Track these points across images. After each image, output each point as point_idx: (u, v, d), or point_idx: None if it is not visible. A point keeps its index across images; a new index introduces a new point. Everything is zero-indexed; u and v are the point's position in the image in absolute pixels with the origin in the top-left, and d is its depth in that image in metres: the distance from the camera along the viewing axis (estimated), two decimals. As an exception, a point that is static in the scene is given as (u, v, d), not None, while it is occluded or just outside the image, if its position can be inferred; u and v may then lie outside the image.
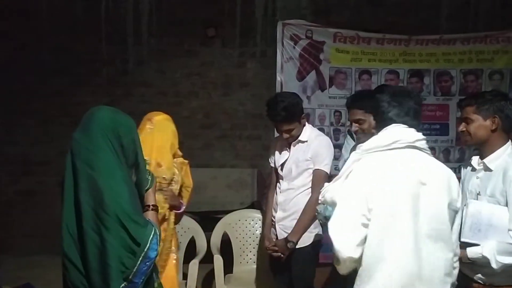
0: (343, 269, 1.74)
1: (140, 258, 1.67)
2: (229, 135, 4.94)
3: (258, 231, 3.54)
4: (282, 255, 2.77)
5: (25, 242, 4.80)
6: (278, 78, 4.36)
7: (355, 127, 2.56)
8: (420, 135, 1.78)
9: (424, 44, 4.30)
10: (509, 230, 1.91)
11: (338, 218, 1.71)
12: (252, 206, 4.35)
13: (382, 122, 1.84)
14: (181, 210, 2.57)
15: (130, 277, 1.67)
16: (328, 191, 1.86)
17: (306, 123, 2.88)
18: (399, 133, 1.76)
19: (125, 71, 4.88)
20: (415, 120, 1.81)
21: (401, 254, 1.65)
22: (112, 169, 1.70)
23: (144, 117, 2.49)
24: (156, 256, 1.73)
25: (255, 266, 3.54)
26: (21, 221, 4.88)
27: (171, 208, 2.49)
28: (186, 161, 2.61)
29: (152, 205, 1.90)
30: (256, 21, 4.75)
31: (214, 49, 4.88)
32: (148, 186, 1.92)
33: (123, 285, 1.67)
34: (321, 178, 2.74)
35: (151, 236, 1.70)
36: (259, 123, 4.89)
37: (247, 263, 3.56)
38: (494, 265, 1.92)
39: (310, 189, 2.78)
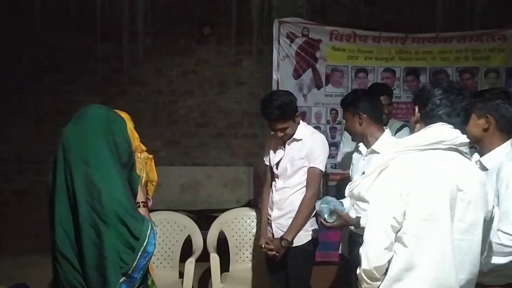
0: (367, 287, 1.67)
1: (140, 253, 1.67)
2: (225, 133, 4.91)
3: (255, 230, 3.52)
4: (277, 254, 2.75)
5: (19, 241, 4.75)
6: (274, 76, 4.35)
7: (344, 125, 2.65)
8: (465, 138, 1.66)
9: (420, 42, 4.30)
10: (498, 230, 1.88)
11: (370, 218, 1.65)
12: (248, 204, 4.33)
13: (428, 119, 1.69)
14: (149, 206, 2.53)
15: (130, 272, 1.66)
16: (357, 185, 1.77)
17: (301, 121, 2.86)
18: (444, 133, 1.64)
19: (120, 69, 4.84)
20: (464, 123, 1.69)
21: (436, 262, 1.56)
22: (108, 164, 1.68)
23: None
24: (153, 252, 1.72)
25: (251, 265, 3.52)
26: (15, 220, 4.83)
27: None
28: (151, 156, 2.59)
29: (142, 201, 1.90)
30: (252, 19, 4.73)
31: (210, 48, 4.86)
32: (138, 183, 1.91)
33: (122, 279, 1.66)
34: (315, 176, 2.73)
35: (149, 231, 1.70)
36: (255, 122, 4.87)
37: (243, 261, 3.54)
38: None
39: (305, 187, 2.76)
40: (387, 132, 2.57)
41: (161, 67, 4.87)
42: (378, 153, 2.45)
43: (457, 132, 1.65)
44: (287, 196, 2.81)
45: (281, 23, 4.29)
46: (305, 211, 2.71)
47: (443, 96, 1.68)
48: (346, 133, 2.89)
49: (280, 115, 2.69)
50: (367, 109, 2.54)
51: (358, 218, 2.43)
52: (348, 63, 4.41)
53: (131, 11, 4.68)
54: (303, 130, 2.80)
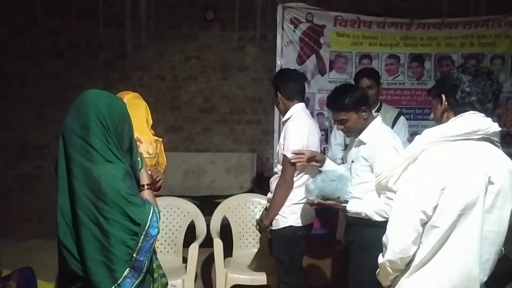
0: (388, 275, 1.67)
1: (142, 237, 1.68)
2: (228, 119, 4.90)
3: (258, 215, 3.51)
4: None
5: (23, 226, 4.79)
6: (278, 62, 4.33)
7: (338, 127, 2.52)
8: (497, 127, 1.59)
9: (425, 28, 4.26)
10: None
11: (397, 210, 1.61)
12: (251, 190, 4.34)
13: (458, 108, 1.61)
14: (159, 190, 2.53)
15: (135, 254, 1.68)
16: (385, 177, 1.71)
17: (299, 104, 2.78)
18: (477, 122, 1.57)
19: (123, 54, 4.82)
20: (495, 109, 1.62)
21: (463, 254, 1.55)
22: (107, 155, 1.67)
23: None
24: (157, 234, 1.73)
25: (254, 250, 3.54)
26: (19, 205, 4.86)
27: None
28: (160, 139, 2.60)
29: (147, 184, 1.89)
30: (255, 4, 4.69)
31: (213, 33, 4.82)
32: (140, 167, 1.90)
33: (127, 270, 1.68)
34: (284, 164, 2.68)
35: (150, 214, 1.71)
36: (259, 108, 4.86)
37: (246, 247, 3.56)
38: None
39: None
40: (378, 119, 2.49)
41: (163, 52, 4.84)
42: (364, 143, 2.39)
43: (489, 120, 1.59)
44: (273, 180, 2.84)
45: (285, 8, 4.25)
46: (275, 198, 2.72)
47: (472, 82, 1.60)
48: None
49: (272, 82, 2.88)
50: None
51: (345, 203, 2.39)
52: (352, 49, 4.38)
53: (134, -5, 4.64)
54: (290, 113, 2.76)
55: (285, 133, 2.72)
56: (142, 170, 1.90)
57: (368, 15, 4.28)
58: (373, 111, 3.14)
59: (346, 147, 2.99)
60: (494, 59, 4.27)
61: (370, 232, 2.26)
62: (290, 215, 2.74)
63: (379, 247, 2.27)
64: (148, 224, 1.69)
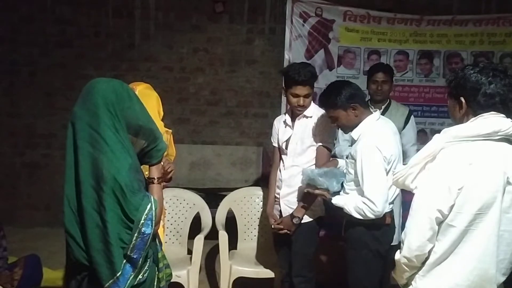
0: (403, 272, 1.68)
1: (136, 234, 1.66)
2: (235, 112, 4.91)
3: (263, 209, 3.54)
4: (288, 232, 2.78)
5: (30, 214, 4.83)
6: (286, 56, 4.31)
7: (331, 124, 2.61)
8: None
9: (435, 24, 4.23)
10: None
11: (414, 208, 1.62)
12: (257, 184, 4.35)
13: (480, 110, 1.59)
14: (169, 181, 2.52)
15: (128, 252, 1.66)
16: (403, 176, 1.69)
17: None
18: (498, 123, 1.56)
19: (131, 45, 4.83)
20: None
21: (479, 253, 1.56)
22: (114, 146, 1.65)
23: None
24: (151, 232, 1.69)
25: (259, 243, 3.56)
26: (26, 193, 4.90)
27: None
28: (170, 131, 2.60)
29: (157, 178, 1.83)
30: (265, -3, 4.68)
31: (222, 25, 4.82)
32: (164, 150, 1.86)
33: (124, 261, 1.67)
34: (324, 155, 2.75)
35: (146, 211, 1.67)
36: (266, 101, 4.86)
37: (251, 239, 3.58)
38: None
39: (314, 165, 2.76)
40: (373, 116, 2.46)
41: (172, 44, 4.85)
42: (355, 140, 2.44)
43: (509, 121, 1.57)
44: (296, 173, 2.80)
45: (294, 2, 4.22)
46: None
47: (493, 84, 1.58)
48: None
49: (311, 78, 2.69)
50: None
51: (333, 194, 2.47)
52: (361, 44, 4.35)
53: (144, -14, 4.65)
54: (313, 108, 2.80)
55: (321, 125, 2.74)
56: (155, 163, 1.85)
57: (378, 10, 4.26)
58: (382, 107, 3.17)
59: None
60: (504, 57, 4.23)
61: (358, 231, 2.38)
62: (317, 207, 2.78)
63: (366, 246, 2.35)
64: (142, 222, 1.66)
